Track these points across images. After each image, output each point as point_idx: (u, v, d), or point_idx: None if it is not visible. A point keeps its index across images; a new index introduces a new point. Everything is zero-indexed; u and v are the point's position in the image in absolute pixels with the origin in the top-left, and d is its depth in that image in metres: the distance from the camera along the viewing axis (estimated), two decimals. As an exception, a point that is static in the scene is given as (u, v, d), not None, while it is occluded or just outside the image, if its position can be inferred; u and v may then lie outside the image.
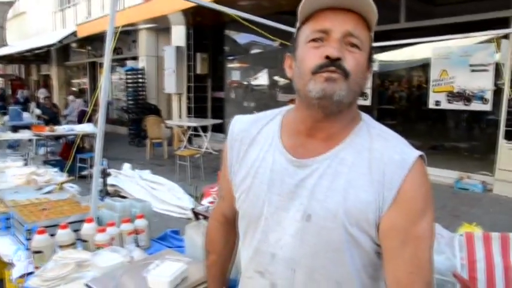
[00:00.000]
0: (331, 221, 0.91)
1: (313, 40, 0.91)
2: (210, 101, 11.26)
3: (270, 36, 3.75)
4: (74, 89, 18.13)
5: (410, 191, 0.88)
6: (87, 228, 2.05)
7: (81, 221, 2.13)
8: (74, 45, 16.14)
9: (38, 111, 11.60)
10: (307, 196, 0.94)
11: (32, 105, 12.59)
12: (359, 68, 0.91)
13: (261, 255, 1.01)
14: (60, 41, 13.50)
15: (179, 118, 11.06)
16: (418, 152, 0.92)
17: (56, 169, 3.86)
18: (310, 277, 0.95)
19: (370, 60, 0.96)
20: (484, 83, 6.20)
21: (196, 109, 10.90)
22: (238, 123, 1.12)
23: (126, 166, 6.63)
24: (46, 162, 6.39)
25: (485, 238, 2.72)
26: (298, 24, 0.97)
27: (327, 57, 0.87)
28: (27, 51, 15.60)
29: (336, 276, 0.94)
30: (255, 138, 1.06)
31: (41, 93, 15.46)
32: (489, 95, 6.17)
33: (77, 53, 17.20)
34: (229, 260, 1.30)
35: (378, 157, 0.91)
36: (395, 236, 0.88)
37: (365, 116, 1.01)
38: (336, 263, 0.93)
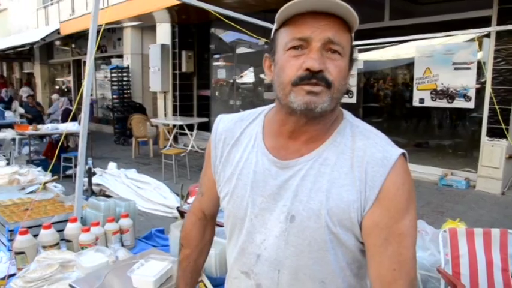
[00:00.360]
0: (315, 221, 0.91)
1: (293, 48, 0.89)
2: (196, 99, 11.21)
3: (254, 36, 3.75)
4: (58, 87, 17.88)
5: (392, 189, 0.88)
6: (71, 228, 2.03)
7: (65, 221, 2.11)
8: (57, 43, 15.91)
9: (21, 110, 11.45)
10: (290, 197, 0.94)
11: (15, 103, 12.40)
12: (341, 75, 0.90)
13: (246, 256, 1.02)
14: (43, 39, 13.30)
15: (165, 116, 10.99)
16: (400, 150, 0.92)
17: (39, 168, 3.81)
18: (295, 277, 0.96)
19: (351, 61, 0.95)
20: (466, 80, 6.27)
21: (182, 107, 10.85)
22: (222, 123, 1.12)
23: (112, 165, 6.57)
24: (30, 162, 6.32)
25: (468, 234, 2.76)
26: (275, 26, 0.95)
27: (308, 69, 0.87)
28: (9, 48, 15.35)
29: (320, 276, 0.95)
30: (238, 139, 1.06)
31: (24, 92, 15.25)
32: (472, 93, 6.25)
33: (60, 50, 16.96)
34: (203, 256, 1.30)
35: (360, 155, 0.91)
36: (378, 234, 0.89)
37: (347, 115, 1.01)
38: (320, 262, 0.93)
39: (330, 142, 0.95)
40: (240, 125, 1.08)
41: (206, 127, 10.05)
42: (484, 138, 6.10)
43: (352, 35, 0.94)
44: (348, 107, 7.82)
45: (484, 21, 5.95)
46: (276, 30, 0.95)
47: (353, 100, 7.79)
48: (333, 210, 0.90)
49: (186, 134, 9.53)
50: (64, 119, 9.98)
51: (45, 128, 7.88)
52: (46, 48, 16.78)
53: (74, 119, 8.83)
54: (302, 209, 0.92)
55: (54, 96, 12.45)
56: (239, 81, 10.88)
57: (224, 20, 3.46)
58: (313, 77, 0.87)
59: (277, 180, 0.96)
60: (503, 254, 2.68)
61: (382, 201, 0.88)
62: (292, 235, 0.94)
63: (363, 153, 0.91)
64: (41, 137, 8.88)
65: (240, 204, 1.02)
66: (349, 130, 0.96)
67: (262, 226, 0.98)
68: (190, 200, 4.32)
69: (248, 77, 10.73)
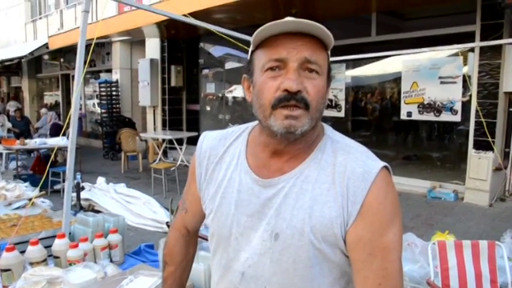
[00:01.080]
0: (298, 239, 0.91)
1: (270, 69, 0.90)
2: (185, 114, 11.21)
3: (246, 47, 3.78)
4: (46, 102, 17.75)
5: (374, 203, 0.88)
6: (59, 244, 2.01)
7: (53, 237, 2.09)
8: (46, 57, 15.86)
9: (8, 124, 11.34)
10: (274, 216, 0.95)
11: (2, 117, 12.27)
12: (320, 95, 0.91)
13: (231, 274, 1.01)
14: (31, 53, 13.25)
15: (154, 131, 10.96)
16: (381, 163, 0.92)
17: (26, 184, 3.77)
18: None
19: (329, 78, 0.96)
20: (453, 94, 6.36)
21: (171, 122, 10.84)
22: (206, 140, 1.13)
23: (101, 180, 6.52)
24: (17, 177, 6.24)
25: (457, 246, 2.78)
26: (252, 48, 0.96)
27: (286, 90, 0.87)
28: (-3, 63, 15.25)
29: None
30: (222, 157, 1.07)
31: (11, 106, 15.10)
32: (458, 106, 6.34)
33: (49, 65, 16.89)
34: (187, 272, 1.29)
35: (341, 171, 0.92)
36: (362, 249, 0.89)
37: (328, 130, 1.02)
38: (305, 279, 0.93)
39: (311, 159, 0.96)
40: (224, 143, 1.08)
41: (196, 141, 9.90)
42: (471, 151, 6.17)
43: (329, 52, 0.95)
44: (337, 121, 7.90)
45: (469, 37, 6.06)
46: (253, 51, 0.96)
47: (341, 114, 7.85)
48: (317, 227, 0.90)
49: (175, 148, 9.50)
50: (53, 134, 9.90)
51: (33, 143, 7.80)
52: (34, 62, 16.71)
53: (63, 133, 8.76)
54: (286, 227, 0.93)
55: (43, 110, 12.36)
56: (228, 95, 10.90)
57: (216, 32, 3.49)
58: (291, 98, 0.87)
59: (260, 198, 0.97)
60: (491, 265, 2.70)
61: (365, 216, 0.88)
62: (277, 253, 0.94)
63: (343, 169, 0.91)
64: (29, 151, 8.80)
65: (224, 222, 1.02)
66: (330, 146, 0.97)
67: (247, 244, 0.98)
68: (180, 214, 4.30)
69: (237, 91, 10.76)
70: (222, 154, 1.07)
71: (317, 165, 0.94)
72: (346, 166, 0.92)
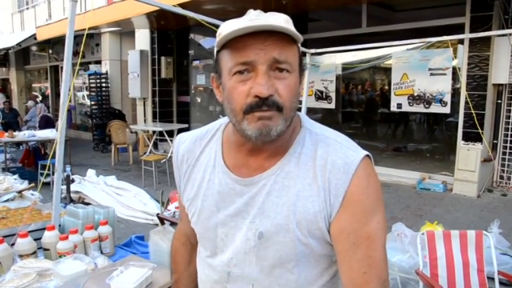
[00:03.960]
0: (284, 236, 0.91)
1: (239, 72, 0.86)
2: (176, 106, 11.16)
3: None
4: (35, 93, 17.55)
5: (356, 194, 0.88)
6: (48, 236, 2.00)
7: (43, 229, 2.07)
8: (34, 48, 15.66)
9: (-3, 117, 11.22)
10: (258, 214, 0.94)
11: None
12: (292, 93, 0.88)
13: (218, 274, 1.02)
14: (19, 44, 13.06)
15: (144, 123, 10.91)
16: (363, 153, 0.91)
17: (15, 176, 3.74)
18: None
19: (301, 71, 0.92)
20: (442, 86, 6.40)
21: (162, 114, 10.78)
22: (181, 144, 1.11)
23: (91, 172, 6.48)
24: (6, 170, 6.19)
25: (445, 236, 2.82)
26: (217, 48, 0.91)
27: (257, 96, 0.84)
28: (-17, 54, 15.04)
29: (294, 286, 0.95)
30: (198, 158, 1.06)
31: (-1, 98, 14.93)
32: (448, 98, 6.39)
33: (37, 56, 16.69)
34: (193, 279, 1.25)
35: (322, 164, 0.91)
36: (346, 239, 0.89)
37: (305, 121, 1.00)
38: (293, 273, 0.94)
39: (290, 154, 0.94)
40: (200, 144, 1.07)
41: (186, 133, 9.96)
42: (460, 143, 6.23)
43: (299, 45, 0.91)
44: (327, 112, 7.91)
45: (458, 29, 6.09)
46: (218, 51, 0.92)
47: (332, 106, 7.87)
48: (302, 223, 0.90)
49: (166, 140, 9.47)
50: (42, 126, 9.80)
51: (22, 135, 7.73)
52: (22, 53, 16.51)
53: (52, 125, 8.69)
54: (270, 225, 0.92)
55: (30, 103, 12.23)
56: (219, 87, 10.85)
57: (206, 24, 3.46)
58: (263, 103, 0.84)
59: (243, 198, 0.96)
60: (478, 255, 2.74)
61: (348, 207, 0.88)
62: (262, 250, 0.94)
63: (324, 162, 0.91)
64: (18, 144, 8.71)
65: (207, 225, 1.01)
66: (309, 138, 0.95)
67: (231, 244, 0.98)
68: (171, 206, 4.30)
69: (228, 82, 10.73)
70: (198, 156, 1.06)
71: (297, 160, 0.93)
72: (327, 159, 0.91)
